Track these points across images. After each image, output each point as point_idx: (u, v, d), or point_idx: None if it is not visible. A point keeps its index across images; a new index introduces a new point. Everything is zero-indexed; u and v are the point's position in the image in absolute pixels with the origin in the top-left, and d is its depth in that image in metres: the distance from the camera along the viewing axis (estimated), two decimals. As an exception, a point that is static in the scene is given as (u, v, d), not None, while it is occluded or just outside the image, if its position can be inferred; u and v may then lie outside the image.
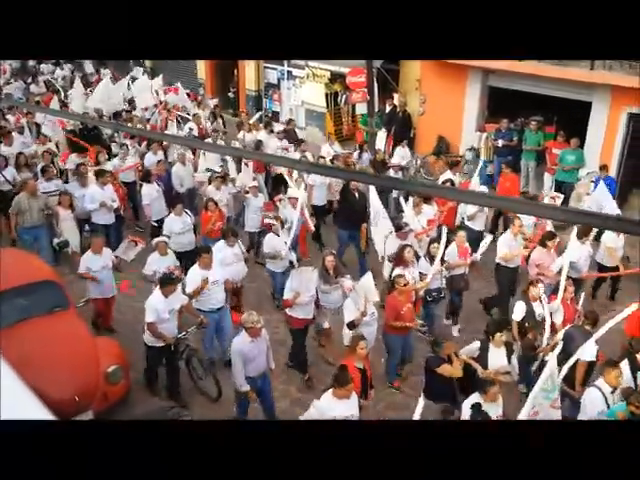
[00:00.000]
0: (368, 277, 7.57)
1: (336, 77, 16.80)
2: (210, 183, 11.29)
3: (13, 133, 13.83)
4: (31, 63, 28.34)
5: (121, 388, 7.09)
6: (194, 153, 13.01)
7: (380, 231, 9.46)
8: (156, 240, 8.77)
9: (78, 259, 9.78)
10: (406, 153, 14.02)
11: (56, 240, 9.95)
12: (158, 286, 7.36)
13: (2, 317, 6.65)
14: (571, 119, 13.24)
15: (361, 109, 15.73)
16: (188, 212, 10.13)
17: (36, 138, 14.40)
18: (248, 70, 19.93)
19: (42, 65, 26.90)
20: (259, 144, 13.18)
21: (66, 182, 12.13)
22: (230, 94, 20.29)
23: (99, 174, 10.85)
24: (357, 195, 10.46)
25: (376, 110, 15.39)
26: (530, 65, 12.20)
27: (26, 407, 2.09)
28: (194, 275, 7.88)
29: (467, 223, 10.52)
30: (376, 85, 15.15)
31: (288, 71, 18.59)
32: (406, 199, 10.20)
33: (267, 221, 9.46)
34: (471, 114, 14.63)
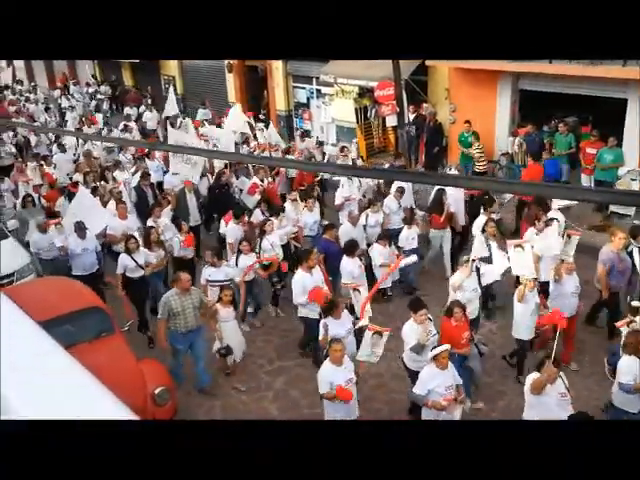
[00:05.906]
0: None
1: (364, 91, 16.86)
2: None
3: (111, 203, 11.20)
4: (105, 107, 25.33)
5: (169, 409, 7.17)
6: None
7: None
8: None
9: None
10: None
11: (217, 345, 8.22)
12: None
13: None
14: (607, 117, 12.98)
15: (391, 121, 15.73)
16: None
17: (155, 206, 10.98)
18: (277, 91, 20.19)
19: (126, 108, 22.96)
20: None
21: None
22: (261, 116, 20.53)
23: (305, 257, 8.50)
24: None
25: (406, 122, 15.40)
26: (560, 65, 12.04)
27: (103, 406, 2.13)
28: None
29: None
30: (405, 97, 15.19)
31: (317, 89, 18.77)
32: None
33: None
34: (503, 119, 14.47)
